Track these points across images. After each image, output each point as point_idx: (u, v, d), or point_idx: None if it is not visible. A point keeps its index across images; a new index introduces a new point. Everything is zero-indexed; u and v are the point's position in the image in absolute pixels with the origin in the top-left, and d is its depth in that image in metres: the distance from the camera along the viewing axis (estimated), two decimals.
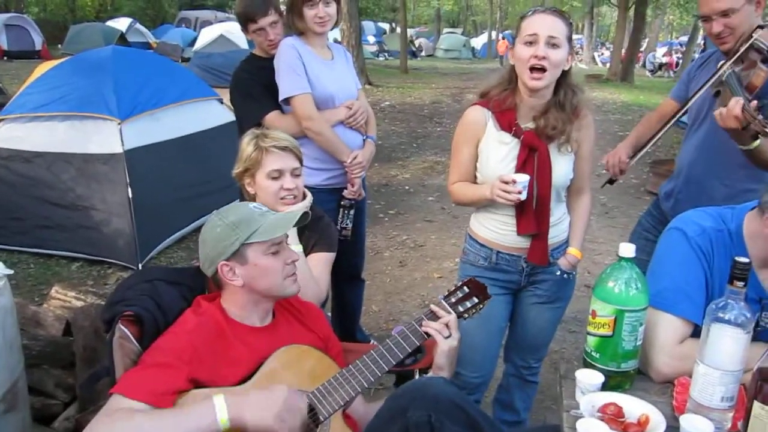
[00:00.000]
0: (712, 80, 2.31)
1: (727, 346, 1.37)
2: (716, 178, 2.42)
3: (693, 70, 2.62)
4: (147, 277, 1.77)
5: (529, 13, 2.06)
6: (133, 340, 1.62)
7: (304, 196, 2.24)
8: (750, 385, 1.34)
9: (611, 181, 2.60)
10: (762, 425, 1.30)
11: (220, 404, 1.48)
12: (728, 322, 1.36)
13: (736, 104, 2.02)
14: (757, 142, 2.09)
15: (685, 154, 2.56)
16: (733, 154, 2.28)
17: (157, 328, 1.66)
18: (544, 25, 1.98)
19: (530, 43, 1.98)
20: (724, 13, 2.25)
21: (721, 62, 2.32)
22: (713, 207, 1.77)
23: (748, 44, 2.22)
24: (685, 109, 2.48)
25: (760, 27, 2.26)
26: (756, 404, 1.31)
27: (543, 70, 1.98)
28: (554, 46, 1.97)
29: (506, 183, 2.03)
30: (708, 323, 1.39)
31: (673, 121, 2.47)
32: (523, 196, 2.04)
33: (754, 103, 2.02)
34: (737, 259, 1.37)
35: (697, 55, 20.78)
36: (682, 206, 2.53)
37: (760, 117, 1.96)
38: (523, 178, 2.04)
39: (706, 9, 2.30)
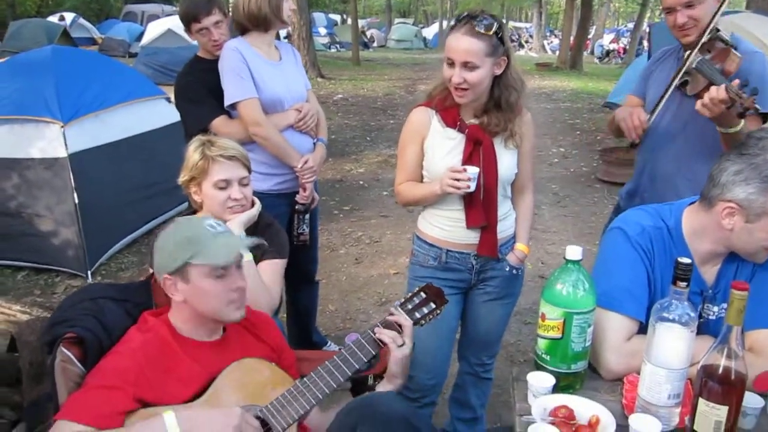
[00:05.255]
0: (681, 71, 2.29)
1: (672, 345, 1.39)
2: (681, 175, 2.40)
3: (652, 64, 2.60)
4: (90, 295, 1.72)
5: (452, 25, 2.11)
6: (77, 362, 1.58)
7: (253, 204, 2.20)
8: (695, 382, 1.38)
9: (634, 145, 2.54)
10: (707, 421, 1.34)
11: (170, 422, 1.45)
12: (673, 321, 1.39)
13: (719, 88, 2.02)
14: (742, 122, 2.09)
15: (648, 151, 2.53)
16: (699, 150, 2.31)
17: (100, 348, 1.61)
18: (458, 49, 2.05)
19: (450, 65, 2.07)
20: (689, 4, 2.24)
21: (687, 53, 2.30)
22: (652, 205, 1.80)
23: (712, 35, 2.24)
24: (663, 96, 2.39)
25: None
26: (701, 401, 1.34)
27: (465, 89, 2.07)
28: (471, 68, 2.05)
29: (456, 172, 2.06)
30: (653, 323, 1.42)
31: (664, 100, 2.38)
32: (472, 188, 2.07)
33: (736, 81, 2.02)
34: (679, 260, 1.39)
35: (646, 43, 20.88)
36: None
37: (745, 94, 1.98)
38: (473, 169, 2.07)
39: (670, 0, 2.28)
